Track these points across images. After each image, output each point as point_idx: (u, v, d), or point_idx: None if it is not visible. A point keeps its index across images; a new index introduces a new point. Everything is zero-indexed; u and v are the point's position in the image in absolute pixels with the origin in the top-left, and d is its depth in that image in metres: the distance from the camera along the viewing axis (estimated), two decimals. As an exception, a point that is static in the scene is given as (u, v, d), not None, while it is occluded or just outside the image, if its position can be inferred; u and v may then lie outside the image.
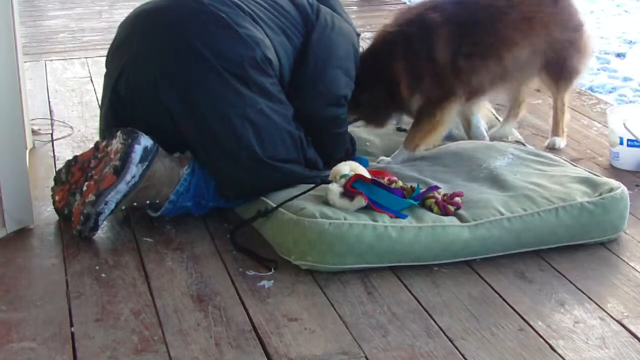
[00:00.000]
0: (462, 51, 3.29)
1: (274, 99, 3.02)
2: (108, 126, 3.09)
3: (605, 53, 7.19)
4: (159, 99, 2.94)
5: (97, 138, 3.33)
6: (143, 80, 2.98)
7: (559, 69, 3.53)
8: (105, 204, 2.88)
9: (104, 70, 3.20)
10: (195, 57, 2.93)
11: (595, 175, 3.09)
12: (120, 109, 3.06)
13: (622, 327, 2.41)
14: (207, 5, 3.01)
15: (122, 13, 4.70)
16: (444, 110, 3.33)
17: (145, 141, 2.91)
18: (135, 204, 3.04)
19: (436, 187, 2.93)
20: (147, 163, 2.91)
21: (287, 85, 3.14)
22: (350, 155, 3.40)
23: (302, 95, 3.15)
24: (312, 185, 2.95)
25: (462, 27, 3.32)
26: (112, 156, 2.91)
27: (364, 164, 3.32)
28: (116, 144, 2.92)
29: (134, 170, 2.88)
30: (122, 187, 2.88)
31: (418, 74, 3.32)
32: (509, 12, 3.35)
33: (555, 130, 3.73)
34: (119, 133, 2.93)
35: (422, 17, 3.35)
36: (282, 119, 3.03)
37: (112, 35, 3.25)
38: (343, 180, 2.86)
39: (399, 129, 3.71)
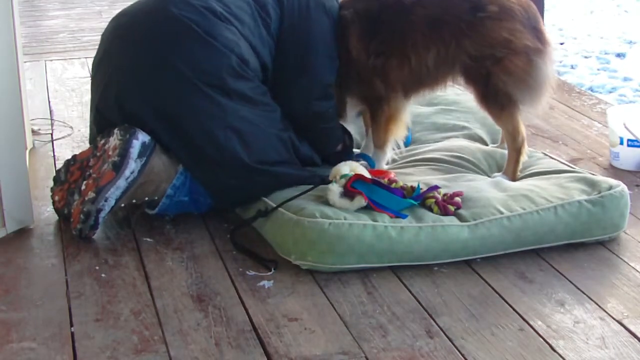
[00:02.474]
0: (371, 49, 3.19)
1: (257, 103, 3.00)
2: (94, 139, 3.11)
3: (605, 53, 7.21)
4: (139, 117, 2.94)
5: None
6: (122, 102, 2.97)
7: (484, 88, 3.12)
8: (105, 200, 2.88)
9: None
10: (172, 73, 2.92)
11: (593, 175, 3.09)
12: (104, 126, 3.05)
13: (622, 327, 2.41)
14: (180, 18, 2.95)
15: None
16: (390, 103, 3.27)
17: (143, 137, 2.91)
18: (134, 201, 3.04)
19: (436, 187, 2.93)
20: (145, 158, 2.91)
21: (271, 80, 3.12)
22: (349, 149, 3.39)
23: (284, 92, 3.13)
24: (312, 185, 2.96)
25: (371, 22, 3.20)
26: (110, 153, 2.92)
27: (371, 163, 3.32)
28: (114, 140, 2.93)
29: (132, 165, 2.89)
30: (122, 183, 2.89)
31: (341, 73, 3.23)
32: (415, 13, 3.15)
33: (505, 168, 3.22)
34: (116, 130, 2.94)
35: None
36: (268, 122, 3.02)
37: (112, 36, 3.25)
38: (343, 180, 2.86)
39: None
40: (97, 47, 3.20)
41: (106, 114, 3.03)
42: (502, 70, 3.08)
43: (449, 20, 3.11)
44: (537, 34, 3.12)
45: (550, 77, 3.17)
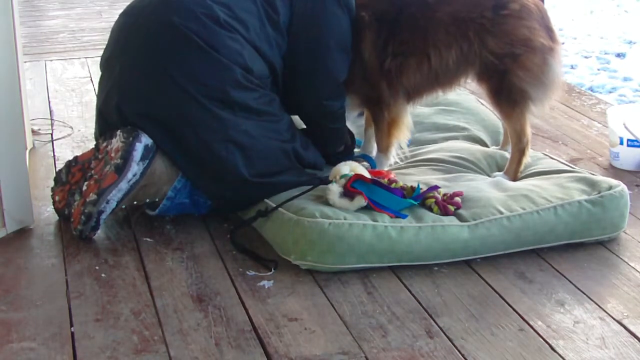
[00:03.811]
0: (388, 50, 3.18)
1: (261, 113, 2.98)
2: (98, 137, 3.11)
3: (605, 53, 7.21)
4: (138, 124, 2.92)
5: (97, 138, 3.34)
6: (122, 107, 2.96)
7: (498, 85, 3.13)
8: (107, 202, 2.88)
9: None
10: (170, 85, 2.89)
11: (593, 175, 3.09)
12: (105, 128, 3.05)
13: (622, 327, 2.41)
14: (180, 28, 2.90)
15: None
16: (390, 109, 3.26)
17: (146, 140, 2.91)
18: (135, 202, 3.04)
19: (436, 187, 2.93)
20: (147, 161, 2.91)
21: (281, 79, 3.10)
22: (351, 150, 3.39)
23: (296, 88, 3.11)
24: (312, 185, 2.96)
25: (389, 24, 3.18)
26: (112, 155, 2.91)
27: (372, 163, 3.32)
28: (116, 142, 2.92)
29: (135, 168, 2.88)
30: (124, 186, 2.88)
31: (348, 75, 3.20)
32: (440, 10, 3.15)
33: (507, 167, 3.23)
34: (119, 132, 2.93)
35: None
36: (272, 134, 3.00)
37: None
38: (343, 180, 2.86)
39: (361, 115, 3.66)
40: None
41: (107, 117, 3.03)
42: (520, 67, 3.09)
43: (473, 18, 3.11)
44: (550, 32, 3.14)
45: (560, 75, 3.20)
